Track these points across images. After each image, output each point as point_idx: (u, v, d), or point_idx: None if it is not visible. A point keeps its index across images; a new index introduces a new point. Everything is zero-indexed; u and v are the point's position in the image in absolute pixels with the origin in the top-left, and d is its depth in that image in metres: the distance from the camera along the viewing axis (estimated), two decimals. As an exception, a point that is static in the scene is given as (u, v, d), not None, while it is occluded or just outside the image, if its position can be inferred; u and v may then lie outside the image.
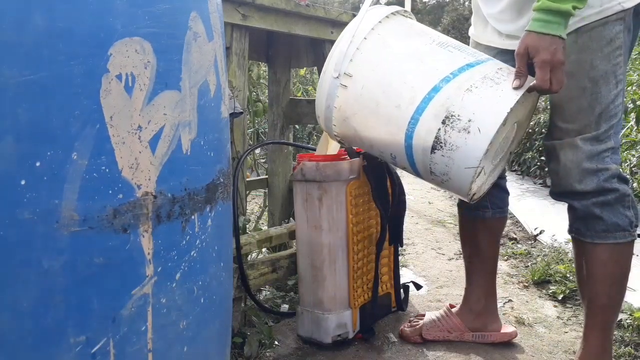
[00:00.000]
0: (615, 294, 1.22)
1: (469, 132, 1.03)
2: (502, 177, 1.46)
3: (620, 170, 1.19)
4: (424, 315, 1.55)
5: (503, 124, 1.02)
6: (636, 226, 1.20)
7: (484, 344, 1.47)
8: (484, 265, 1.48)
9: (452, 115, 1.05)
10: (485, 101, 1.04)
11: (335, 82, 1.17)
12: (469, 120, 1.03)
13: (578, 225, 1.23)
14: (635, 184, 2.58)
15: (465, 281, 1.53)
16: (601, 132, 1.16)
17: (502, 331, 1.49)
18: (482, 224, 1.45)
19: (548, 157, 1.25)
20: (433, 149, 1.07)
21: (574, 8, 1.03)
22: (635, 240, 1.21)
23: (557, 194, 1.25)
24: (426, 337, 1.48)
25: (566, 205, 1.25)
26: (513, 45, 1.20)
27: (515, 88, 1.05)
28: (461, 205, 1.49)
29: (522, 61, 1.06)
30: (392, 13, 1.21)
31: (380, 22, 1.18)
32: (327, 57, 1.19)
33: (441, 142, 1.06)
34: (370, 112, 1.14)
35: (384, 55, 1.15)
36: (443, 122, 1.05)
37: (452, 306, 1.55)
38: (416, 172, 1.17)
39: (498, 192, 1.43)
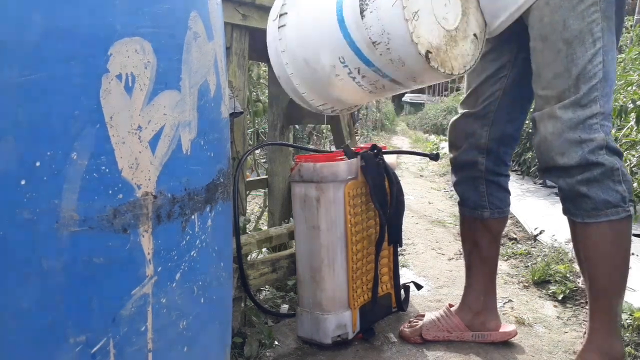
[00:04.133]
0: (616, 275, 1.13)
1: None
2: (504, 175, 1.43)
3: (610, 140, 1.09)
4: (423, 316, 1.55)
5: None
6: (631, 201, 1.11)
7: (484, 343, 1.47)
8: (483, 264, 1.47)
9: None
10: None
11: (274, 25, 1.19)
12: None
13: (567, 204, 1.16)
14: (635, 184, 2.58)
15: (465, 280, 1.53)
16: (581, 95, 1.08)
17: (501, 330, 1.48)
18: (481, 224, 1.44)
19: (533, 132, 1.18)
20: (362, 12, 1.02)
21: None
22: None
23: (542, 171, 1.18)
24: (426, 337, 1.48)
25: None
26: (517, 10, 1.15)
27: None
28: (461, 204, 1.49)
29: None
30: None
31: None
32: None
33: (366, 0, 1.01)
34: (309, 31, 1.15)
35: None
36: None
37: (451, 305, 1.55)
38: (367, 63, 1.10)
39: (497, 191, 1.42)
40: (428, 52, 1.00)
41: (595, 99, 1.08)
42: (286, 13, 1.18)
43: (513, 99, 1.35)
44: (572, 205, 1.14)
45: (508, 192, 1.46)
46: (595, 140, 1.08)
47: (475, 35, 1.12)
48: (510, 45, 1.29)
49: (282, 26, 1.19)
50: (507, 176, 1.45)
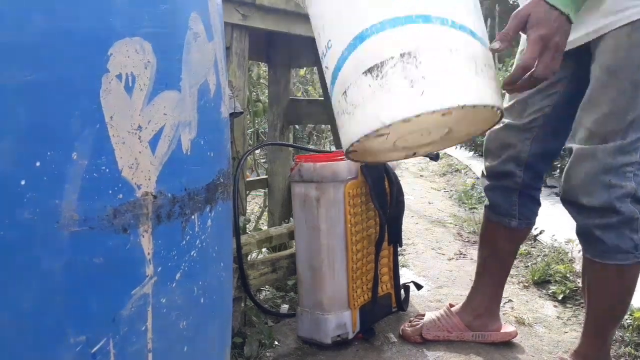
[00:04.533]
0: (614, 311, 1.18)
1: (411, 87, 0.82)
2: (536, 188, 1.40)
3: (638, 190, 1.08)
4: (424, 315, 1.55)
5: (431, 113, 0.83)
6: None
7: (484, 343, 1.47)
8: (497, 270, 1.45)
9: (413, 56, 0.83)
10: (454, 75, 0.84)
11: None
12: (423, 77, 0.82)
13: (580, 239, 1.18)
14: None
15: (474, 282, 1.51)
16: (627, 142, 1.06)
17: (502, 331, 1.48)
18: (505, 231, 1.40)
19: (568, 159, 1.15)
20: (370, 71, 0.86)
21: None
22: None
23: (563, 200, 1.18)
24: (426, 336, 1.48)
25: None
26: (586, 37, 1.08)
27: (492, 49, 0.90)
28: (490, 209, 1.43)
29: (517, 26, 0.91)
30: None
31: None
32: None
33: (379, 72, 0.85)
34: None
35: None
36: (401, 55, 0.84)
37: (451, 305, 1.55)
38: (332, 82, 0.96)
39: (530, 202, 1.39)
40: (354, 151, 0.93)
41: (637, 148, 1.07)
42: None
43: (561, 116, 1.26)
44: (584, 242, 1.16)
45: (539, 204, 1.42)
46: (625, 188, 1.07)
47: (421, 148, 1.02)
48: (569, 62, 1.17)
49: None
50: (540, 189, 1.42)
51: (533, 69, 0.88)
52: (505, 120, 1.33)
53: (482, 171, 1.44)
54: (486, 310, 1.47)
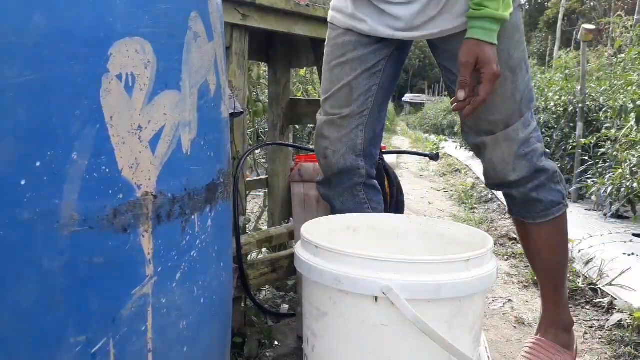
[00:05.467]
0: (562, 259, 1.29)
1: None
2: (374, 177, 1.34)
3: (543, 147, 1.22)
4: None
5: None
6: (566, 197, 1.26)
7: (488, 340, 1.47)
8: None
9: None
10: None
11: (373, 288, 0.84)
12: None
13: (519, 209, 1.26)
14: (635, 184, 2.58)
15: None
16: (527, 116, 1.18)
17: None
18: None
19: (480, 154, 1.23)
20: None
21: (510, 15, 1.05)
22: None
23: (494, 186, 1.26)
24: None
25: None
26: (408, 36, 1.16)
27: (458, 99, 1.06)
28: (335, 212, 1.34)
29: (468, 71, 1.05)
30: None
31: None
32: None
33: None
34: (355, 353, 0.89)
35: None
36: None
37: None
38: None
39: (373, 192, 1.34)
40: None
41: (532, 116, 1.21)
42: (375, 302, 0.85)
43: (385, 96, 1.28)
44: (524, 209, 1.25)
45: (380, 192, 1.38)
46: (537, 150, 1.19)
47: None
48: (388, 45, 1.23)
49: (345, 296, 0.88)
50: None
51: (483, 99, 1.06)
52: (325, 118, 1.28)
53: (318, 188, 1.34)
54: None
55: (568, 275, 1.92)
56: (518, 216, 1.28)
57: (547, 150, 1.23)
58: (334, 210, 1.32)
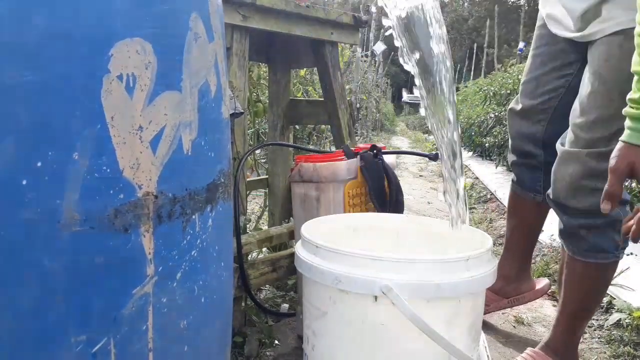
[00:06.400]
0: (588, 306, 1.21)
1: None
2: None
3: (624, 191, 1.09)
4: None
5: None
6: (623, 248, 1.15)
7: (487, 340, 1.48)
8: (524, 238, 1.48)
9: None
10: None
11: (373, 288, 0.83)
12: None
13: (563, 237, 1.20)
14: (634, 184, 2.58)
15: (503, 251, 1.54)
16: (611, 149, 1.02)
17: (536, 288, 1.51)
18: (531, 204, 1.43)
19: (557, 155, 1.17)
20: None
21: None
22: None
23: (551, 201, 1.20)
24: None
25: None
26: (580, 37, 1.09)
27: (605, 210, 0.90)
28: (516, 182, 1.45)
29: (621, 179, 0.89)
30: None
31: None
32: None
33: None
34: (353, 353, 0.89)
35: None
36: None
37: None
38: None
39: None
40: None
41: None
42: (374, 301, 0.84)
43: (574, 100, 1.22)
44: (568, 240, 1.18)
45: None
46: None
47: None
48: (582, 47, 1.16)
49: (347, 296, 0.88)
50: None
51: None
52: (518, 107, 1.35)
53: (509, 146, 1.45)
54: (517, 276, 1.50)
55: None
56: (562, 242, 1.21)
57: (625, 198, 1.11)
58: (513, 175, 1.44)
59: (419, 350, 0.85)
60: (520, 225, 1.49)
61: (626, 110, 0.90)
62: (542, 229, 1.53)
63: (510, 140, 1.44)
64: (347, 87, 5.13)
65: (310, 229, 0.99)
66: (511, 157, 1.45)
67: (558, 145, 1.17)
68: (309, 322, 0.94)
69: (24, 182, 0.56)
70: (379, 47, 7.98)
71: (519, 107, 1.36)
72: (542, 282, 1.53)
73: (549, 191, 1.21)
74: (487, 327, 1.61)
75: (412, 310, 0.80)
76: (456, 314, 0.85)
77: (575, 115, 1.13)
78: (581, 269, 1.17)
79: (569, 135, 1.14)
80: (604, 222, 1.11)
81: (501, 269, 1.46)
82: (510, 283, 1.50)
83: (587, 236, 1.13)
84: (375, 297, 0.83)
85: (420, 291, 0.82)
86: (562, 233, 1.20)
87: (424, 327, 0.81)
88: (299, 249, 0.94)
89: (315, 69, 2.10)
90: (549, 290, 1.53)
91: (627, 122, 0.90)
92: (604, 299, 1.78)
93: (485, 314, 1.48)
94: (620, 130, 1.03)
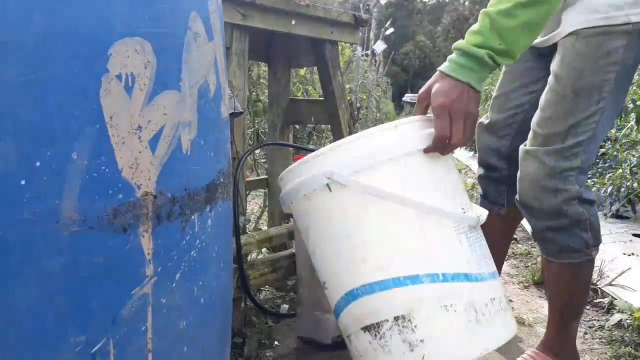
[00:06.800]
0: (573, 304, 1.22)
1: (411, 351, 0.85)
2: None
3: (583, 191, 1.13)
4: None
5: None
6: (595, 246, 1.16)
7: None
8: (492, 252, 1.49)
9: (408, 320, 0.85)
10: (452, 333, 0.86)
11: (322, 179, 0.91)
12: (421, 340, 0.85)
13: (535, 240, 1.23)
14: (635, 184, 2.58)
15: None
16: (566, 146, 1.10)
17: None
18: (496, 218, 1.43)
19: (519, 162, 1.20)
20: (367, 329, 0.89)
21: (491, 57, 0.90)
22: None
23: (519, 203, 1.21)
24: None
25: None
26: (540, 43, 1.15)
27: (444, 153, 0.91)
28: (482, 196, 1.48)
29: (425, 104, 0.95)
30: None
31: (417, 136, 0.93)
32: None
33: (377, 334, 0.87)
34: (335, 244, 0.94)
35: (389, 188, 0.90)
36: (395, 319, 0.86)
37: None
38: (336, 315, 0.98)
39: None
40: None
41: (577, 153, 1.11)
42: (330, 191, 0.91)
43: None
44: (540, 243, 1.21)
45: None
46: (570, 192, 1.12)
47: None
48: (548, 63, 1.19)
49: (310, 200, 0.95)
50: None
51: (450, 138, 0.90)
52: (486, 121, 1.40)
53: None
54: None
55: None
56: (537, 244, 1.24)
57: (587, 197, 1.13)
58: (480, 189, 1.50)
59: (387, 215, 0.89)
60: (488, 239, 1.50)
61: (458, 43, 0.93)
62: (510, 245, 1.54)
63: (477, 153, 1.47)
64: (347, 86, 5.12)
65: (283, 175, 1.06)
66: (478, 171, 1.49)
67: (521, 147, 1.19)
68: (306, 240, 1.02)
69: (23, 182, 0.56)
70: (379, 46, 7.98)
71: (487, 121, 1.39)
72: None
73: (517, 195, 1.23)
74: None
75: (358, 180, 0.87)
76: (406, 174, 0.89)
77: (535, 115, 1.17)
78: (557, 269, 1.19)
79: (529, 134, 1.17)
80: (568, 223, 1.13)
81: None
82: None
83: (556, 237, 1.15)
84: (328, 187, 0.89)
85: (359, 163, 0.87)
86: (534, 236, 1.23)
87: (377, 191, 0.86)
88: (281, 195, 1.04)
89: (315, 68, 2.10)
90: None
91: (455, 56, 0.92)
92: (605, 300, 1.78)
93: None
94: (574, 126, 1.09)
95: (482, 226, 1.51)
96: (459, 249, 0.90)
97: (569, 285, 1.20)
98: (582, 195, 1.13)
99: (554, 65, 1.12)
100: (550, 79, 1.13)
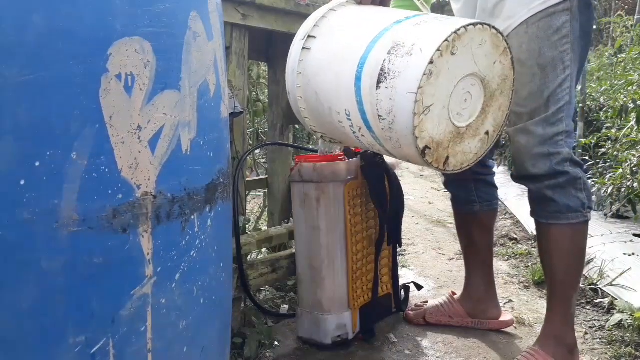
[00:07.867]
0: (572, 270, 1.29)
1: (411, 55, 0.96)
2: (489, 174, 1.55)
3: (573, 154, 1.24)
4: (427, 302, 1.64)
5: (449, 46, 0.94)
6: (589, 208, 1.26)
7: (485, 344, 1.47)
8: (478, 255, 1.57)
9: (397, 45, 0.98)
10: (432, 28, 0.99)
11: (299, 45, 1.17)
12: (413, 45, 0.96)
13: (534, 206, 1.30)
14: (635, 184, 2.58)
15: (465, 272, 1.62)
16: (550, 114, 1.21)
17: (500, 319, 1.57)
18: (472, 217, 1.54)
19: (509, 145, 1.30)
20: (378, 82, 0.99)
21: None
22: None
23: (517, 178, 1.31)
24: (429, 320, 1.57)
25: None
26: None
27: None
28: (454, 200, 1.58)
29: None
30: None
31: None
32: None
33: (385, 73, 0.98)
34: (328, 69, 1.12)
35: (346, 17, 1.15)
36: (389, 52, 0.98)
37: (454, 293, 1.63)
38: (369, 128, 1.07)
39: (485, 186, 1.54)
40: (426, 147, 0.98)
41: (561, 119, 1.22)
42: (315, 37, 1.16)
43: None
44: (539, 207, 1.28)
45: (495, 187, 1.57)
46: (562, 154, 1.22)
47: (487, 133, 1.07)
48: None
49: (306, 49, 1.17)
50: (492, 174, 1.57)
51: None
52: None
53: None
54: (484, 295, 1.57)
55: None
56: (534, 216, 1.31)
57: (576, 159, 1.25)
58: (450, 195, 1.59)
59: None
60: (470, 243, 1.57)
61: None
62: (494, 242, 1.61)
63: None
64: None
65: None
66: (443, 178, 1.57)
67: (507, 129, 1.27)
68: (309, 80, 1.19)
69: (22, 182, 0.56)
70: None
71: None
72: (507, 316, 1.60)
73: (512, 172, 1.33)
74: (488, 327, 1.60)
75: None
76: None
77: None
78: (556, 232, 1.26)
79: (511, 118, 1.24)
80: (564, 180, 1.22)
81: (470, 292, 1.58)
82: (480, 305, 1.56)
83: (555, 196, 1.23)
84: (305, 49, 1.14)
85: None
86: (533, 200, 1.29)
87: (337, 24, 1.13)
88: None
89: (315, 68, 2.09)
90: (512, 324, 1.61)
91: None
92: (605, 300, 1.78)
93: (449, 325, 1.57)
94: (552, 95, 1.21)
95: (462, 233, 1.58)
96: (412, 12, 1.08)
97: (567, 251, 1.27)
98: (572, 157, 1.23)
99: (515, 54, 1.18)
100: (516, 67, 1.18)
